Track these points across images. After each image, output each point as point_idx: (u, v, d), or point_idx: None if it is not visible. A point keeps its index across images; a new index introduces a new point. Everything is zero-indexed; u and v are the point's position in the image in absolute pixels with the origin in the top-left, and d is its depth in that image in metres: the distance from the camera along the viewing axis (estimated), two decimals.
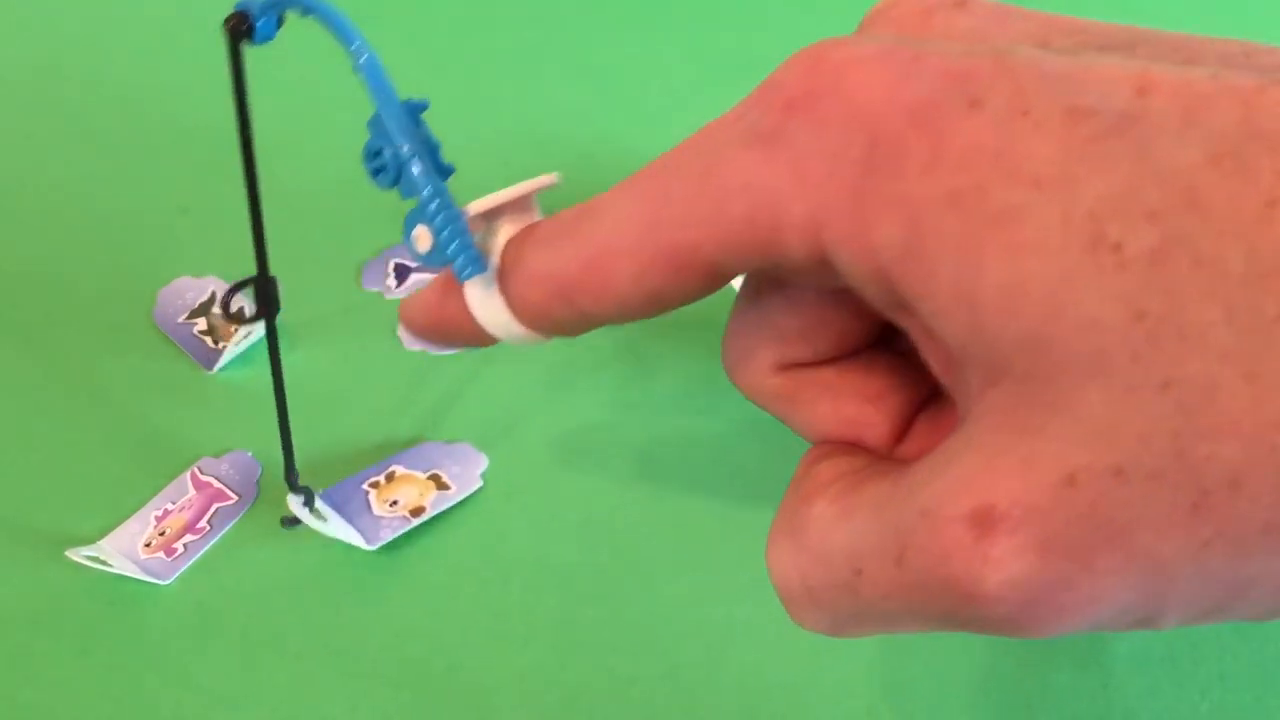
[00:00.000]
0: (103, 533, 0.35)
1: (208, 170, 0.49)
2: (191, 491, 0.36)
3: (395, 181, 0.23)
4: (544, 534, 0.35)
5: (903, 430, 0.22)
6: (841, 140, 0.17)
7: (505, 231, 0.23)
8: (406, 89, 0.56)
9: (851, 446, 0.21)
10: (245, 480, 0.36)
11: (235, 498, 0.36)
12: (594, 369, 0.40)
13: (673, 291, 0.19)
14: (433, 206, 0.23)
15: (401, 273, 0.43)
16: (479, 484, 0.36)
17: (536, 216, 0.23)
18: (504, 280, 0.22)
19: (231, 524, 0.35)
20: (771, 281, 0.21)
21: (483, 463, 0.37)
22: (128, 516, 0.36)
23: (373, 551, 0.35)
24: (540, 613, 0.33)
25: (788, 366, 0.22)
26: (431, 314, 0.24)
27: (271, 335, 0.32)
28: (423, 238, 0.23)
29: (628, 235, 0.19)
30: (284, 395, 0.33)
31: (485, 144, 0.49)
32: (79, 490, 0.37)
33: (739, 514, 0.35)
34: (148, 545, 0.35)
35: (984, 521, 0.16)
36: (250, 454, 0.37)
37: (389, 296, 0.43)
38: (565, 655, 0.32)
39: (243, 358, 0.40)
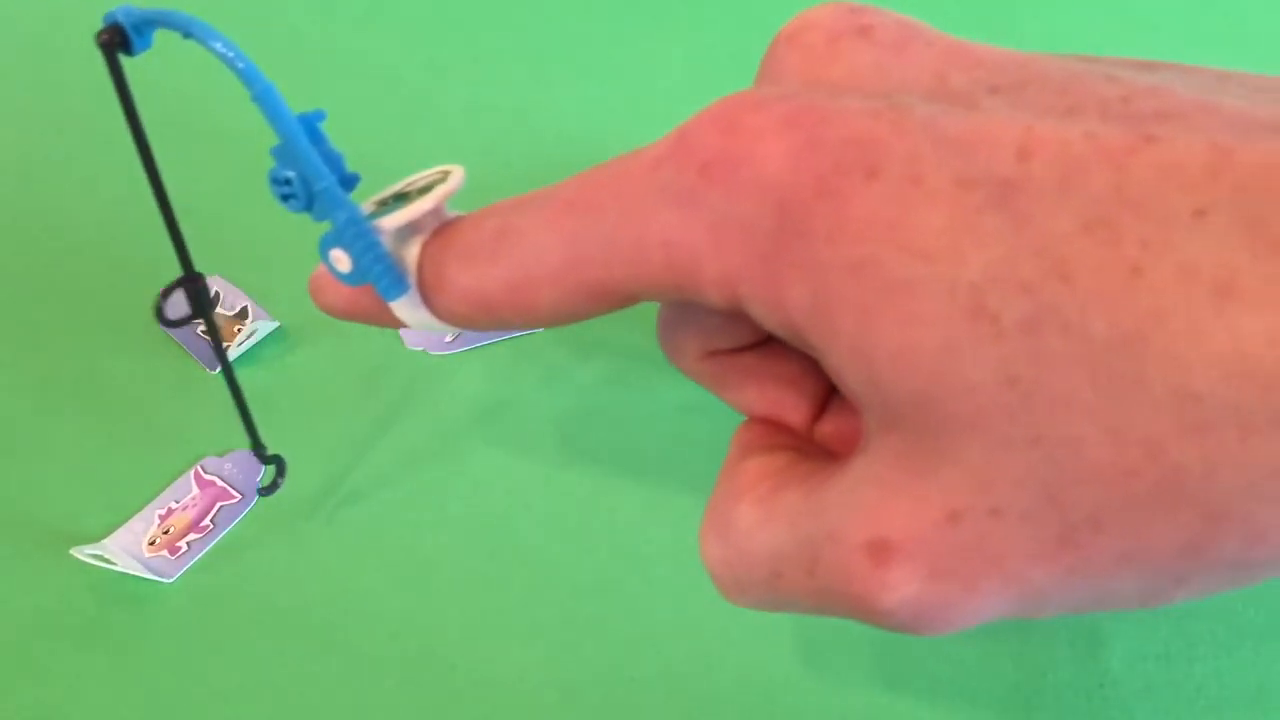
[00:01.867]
0: (107, 531, 0.35)
1: (210, 170, 0.49)
2: (195, 490, 0.36)
3: (308, 207, 0.23)
4: (544, 532, 0.35)
5: (821, 408, 0.24)
6: (754, 210, 0.18)
7: (419, 240, 0.23)
8: (409, 86, 0.55)
9: (776, 428, 0.24)
10: (248, 479, 0.37)
11: (238, 496, 0.36)
12: (594, 367, 0.40)
13: (592, 312, 0.21)
14: (349, 232, 0.23)
15: None
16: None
17: (446, 213, 0.24)
18: (427, 292, 0.23)
19: (235, 522, 0.36)
20: None
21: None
22: (131, 515, 0.36)
23: (368, 551, 0.35)
24: (540, 610, 0.33)
25: (714, 353, 0.24)
26: (347, 304, 0.25)
27: (213, 332, 0.32)
28: (341, 260, 0.23)
29: (549, 265, 0.20)
30: (241, 395, 0.32)
31: (486, 144, 0.50)
32: (83, 489, 0.37)
33: None
34: (152, 543, 0.35)
35: (881, 551, 0.18)
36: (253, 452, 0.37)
37: None
38: (564, 653, 0.32)
39: (245, 357, 0.40)
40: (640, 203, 0.19)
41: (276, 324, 0.41)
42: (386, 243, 0.23)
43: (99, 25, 0.25)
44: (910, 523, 0.18)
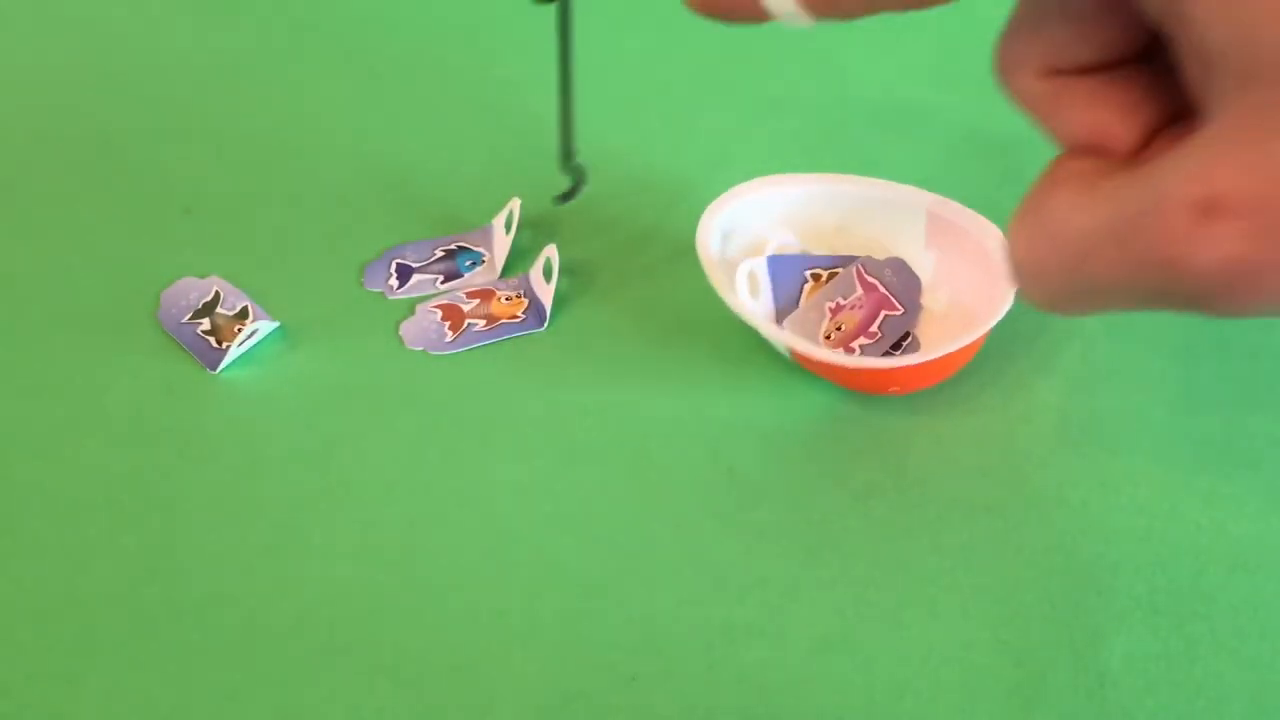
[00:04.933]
0: (106, 533, 0.35)
1: (210, 171, 0.49)
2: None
3: None
4: (543, 531, 0.35)
5: (1146, 144, 0.23)
6: None
7: None
8: (419, 97, 0.54)
9: (1098, 152, 0.24)
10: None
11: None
12: (594, 368, 0.40)
13: None
14: None
15: (403, 273, 0.43)
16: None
17: None
18: None
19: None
20: None
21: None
22: None
23: (365, 552, 0.35)
24: (541, 611, 0.33)
25: (1053, 72, 0.24)
26: None
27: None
28: None
29: None
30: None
31: (484, 146, 0.50)
32: (83, 489, 0.37)
33: (739, 514, 0.35)
34: None
35: (1208, 207, 0.17)
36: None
37: (390, 297, 0.43)
38: (566, 653, 0.32)
39: (246, 357, 0.40)
40: None
41: (276, 324, 0.41)
42: None
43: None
44: (1248, 179, 0.17)
